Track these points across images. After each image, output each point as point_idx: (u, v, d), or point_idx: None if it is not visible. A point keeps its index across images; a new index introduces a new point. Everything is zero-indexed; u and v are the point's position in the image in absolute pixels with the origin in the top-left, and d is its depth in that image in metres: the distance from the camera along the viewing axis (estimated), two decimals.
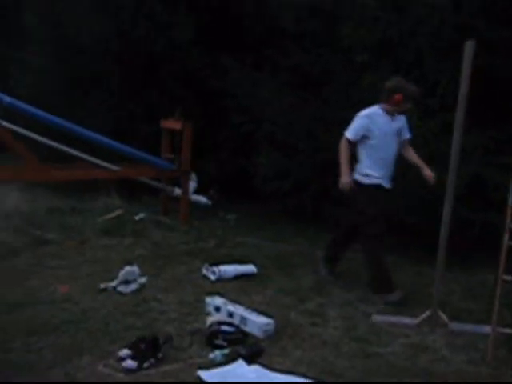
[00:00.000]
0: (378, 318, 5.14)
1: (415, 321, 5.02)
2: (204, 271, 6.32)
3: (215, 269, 6.19)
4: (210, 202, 9.07)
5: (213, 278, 6.17)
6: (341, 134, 5.67)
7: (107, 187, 9.05)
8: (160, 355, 4.17)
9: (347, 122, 5.65)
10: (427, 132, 6.51)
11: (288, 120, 7.97)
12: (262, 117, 8.42)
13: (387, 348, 4.56)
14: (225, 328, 4.57)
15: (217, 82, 8.96)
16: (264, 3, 8.43)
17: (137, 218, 8.46)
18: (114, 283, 5.76)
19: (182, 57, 9.11)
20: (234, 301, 5.22)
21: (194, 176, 8.88)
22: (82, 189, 9.47)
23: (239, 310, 4.93)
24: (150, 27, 8.99)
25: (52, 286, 5.78)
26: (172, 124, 8.63)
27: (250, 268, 6.43)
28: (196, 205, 8.99)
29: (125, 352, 4.16)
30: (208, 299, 5.19)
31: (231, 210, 9.19)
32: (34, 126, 8.08)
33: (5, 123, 7.34)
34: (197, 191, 9.06)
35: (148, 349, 4.16)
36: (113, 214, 8.44)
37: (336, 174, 5.70)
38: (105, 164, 8.05)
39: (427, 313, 5.02)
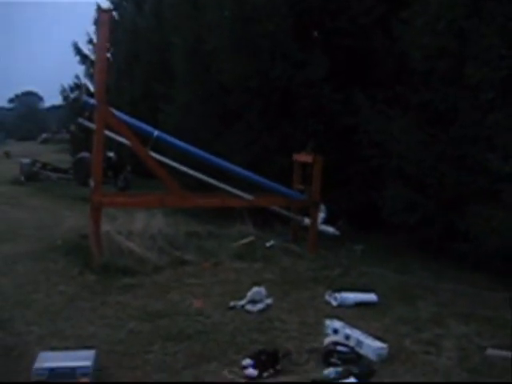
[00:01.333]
0: (492, 351, 5.14)
1: None
2: (326, 297, 6.64)
3: (337, 295, 6.49)
4: (338, 232, 9.36)
5: (334, 303, 6.47)
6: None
7: (242, 215, 9.66)
8: (279, 367, 4.57)
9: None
10: None
11: (416, 155, 8.12)
12: (392, 152, 8.62)
13: (498, 381, 4.59)
14: (340, 348, 4.86)
15: (348, 118, 9.33)
16: (394, 43, 8.70)
17: (268, 244, 8.99)
18: (242, 302, 6.27)
19: (315, 93, 9.59)
20: (353, 325, 5.49)
21: (323, 207, 9.26)
22: (219, 215, 10.24)
23: (356, 334, 5.19)
24: (285, 66, 9.60)
25: (188, 300, 6.44)
26: (304, 157, 9.14)
27: (370, 296, 6.64)
28: (324, 234, 9.33)
29: (247, 361, 4.62)
30: (327, 322, 5.51)
31: (358, 241, 9.41)
32: (179, 157, 8.93)
33: (153, 154, 8.27)
34: (326, 221, 9.41)
35: (268, 360, 4.58)
36: (246, 240, 9.02)
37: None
38: (240, 193, 8.68)
39: None
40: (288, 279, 7.51)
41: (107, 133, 8.11)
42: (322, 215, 9.28)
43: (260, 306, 6.19)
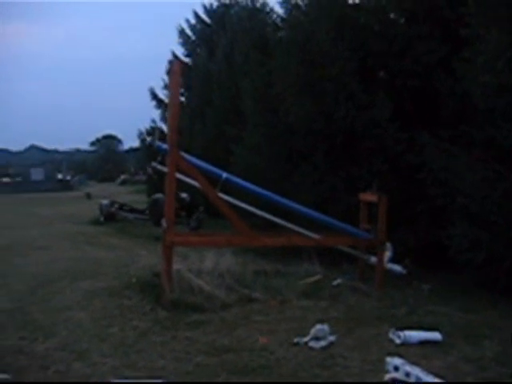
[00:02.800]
0: None
1: None
2: (390, 335, 6.68)
3: (400, 333, 6.53)
4: (404, 271, 9.35)
5: (398, 341, 6.51)
6: None
7: (309, 254, 9.84)
8: None
9: None
10: None
11: (481, 193, 8.09)
12: (457, 190, 8.62)
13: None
14: None
15: (413, 157, 9.42)
16: (457, 82, 8.79)
17: (334, 283, 9.10)
18: (306, 339, 6.43)
19: (379, 134, 9.75)
20: (414, 363, 5.52)
21: (389, 245, 9.31)
22: (286, 254, 10.47)
23: (416, 371, 5.23)
24: (349, 107, 9.84)
25: (254, 337, 6.66)
26: (369, 196, 9.27)
27: (435, 335, 6.63)
28: (391, 273, 9.35)
29: None
30: (388, 359, 5.56)
31: (425, 280, 9.36)
32: (248, 198, 9.27)
33: (222, 195, 8.65)
34: (392, 260, 9.44)
35: None
36: (312, 279, 9.18)
37: None
38: (306, 232, 8.88)
39: None
40: (353, 317, 7.59)
41: (179, 175, 8.58)
42: (388, 254, 9.32)
43: (323, 342, 6.32)
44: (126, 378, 5.13)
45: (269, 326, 7.11)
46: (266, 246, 9.31)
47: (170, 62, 8.26)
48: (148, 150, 21.05)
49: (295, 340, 6.44)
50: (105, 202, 20.82)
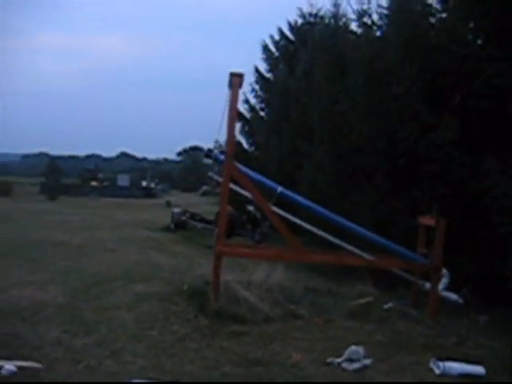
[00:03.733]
0: None
1: None
2: (431, 364, 6.42)
3: (440, 363, 6.27)
4: (461, 300, 8.98)
5: (437, 371, 6.25)
6: None
7: (363, 275, 9.63)
8: None
9: None
10: None
11: None
12: None
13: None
14: None
15: (477, 182, 9.05)
16: None
17: (385, 306, 8.86)
18: (340, 359, 6.29)
19: (443, 157, 9.43)
20: None
21: (446, 272, 8.96)
22: (341, 274, 10.30)
23: None
24: (413, 128, 9.60)
25: (289, 352, 6.59)
26: (428, 220, 8.98)
27: (478, 369, 6.31)
28: (447, 301, 9.00)
29: None
30: None
31: (483, 311, 8.90)
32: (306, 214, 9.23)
33: (275, 208, 8.65)
34: (450, 288, 9.08)
35: None
36: (363, 301, 8.96)
37: None
38: (358, 252, 8.72)
39: None
40: (397, 342, 7.34)
41: (235, 187, 8.67)
42: (444, 281, 8.97)
43: (356, 365, 6.17)
44: (148, 378, 5.20)
45: (307, 344, 7.02)
46: (315, 263, 9.20)
47: (231, 75, 8.36)
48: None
49: (329, 360, 6.32)
50: (176, 210, 21.35)
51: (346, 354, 6.29)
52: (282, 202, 9.08)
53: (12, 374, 5.34)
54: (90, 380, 5.38)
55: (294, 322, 7.96)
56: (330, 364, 6.25)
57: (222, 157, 8.79)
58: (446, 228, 8.71)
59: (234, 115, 8.48)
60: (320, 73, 14.17)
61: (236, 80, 8.39)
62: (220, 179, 8.71)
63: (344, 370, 6.11)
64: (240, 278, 9.04)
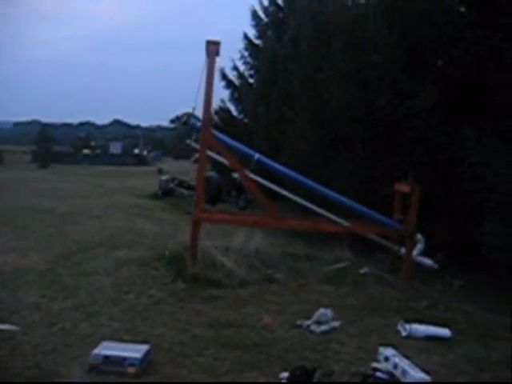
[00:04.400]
0: None
1: None
2: (399, 326, 6.62)
3: (407, 326, 6.46)
4: (436, 266, 9.14)
5: (403, 333, 6.45)
6: None
7: (342, 241, 9.79)
8: None
9: None
10: None
11: None
12: (494, 186, 8.33)
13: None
14: (379, 374, 4.93)
15: (454, 150, 9.15)
16: (507, 73, 8.43)
17: (361, 271, 9.03)
18: (309, 322, 6.48)
19: (421, 124, 9.50)
20: (408, 357, 5.44)
21: (421, 238, 9.12)
22: (320, 239, 10.45)
23: (403, 363, 5.18)
24: (392, 96, 9.64)
25: (260, 315, 6.77)
26: (404, 187, 9.11)
27: (444, 331, 6.50)
28: (423, 266, 9.18)
29: (283, 375, 4.86)
30: (381, 349, 5.54)
31: (458, 276, 9.10)
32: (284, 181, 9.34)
33: (252, 175, 8.76)
34: (425, 253, 9.26)
35: (302, 376, 4.77)
36: (339, 265, 9.16)
37: None
38: (335, 218, 8.86)
39: None
40: (369, 306, 7.56)
41: (212, 154, 8.76)
42: (419, 246, 9.14)
43: (324, 327, 6.36)
44: (116, 341, 5.37)
45: (279, 307, 7.21)
46: (293, 229, 9.34)
47: (207, 43, 8.36)
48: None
49: (298, 322, 6.51)
50: (164, 177, 21.42)
51: (315, 317, 6.48)
52: (264, 169, 9.20)
53: None
54: (63, 342, 5.54)
55: (269, 285, 8.16)
56: (300, 326, 6.43)
57: (199, 124, 8.84)
58: (421, 194, 8.87)
59: (211, 82, 8.49)
60: (304, 40, 14.10)
61: (212, 47, 8.41)
62: (197, 146, 8.78)
63: (312, 332, 6.30)
64: (220, 243, 9.20)
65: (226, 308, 7.01)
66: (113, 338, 5.59)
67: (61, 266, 8.60)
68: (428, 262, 9.19)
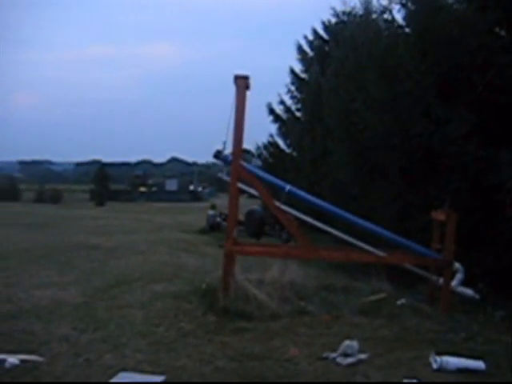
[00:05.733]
0: None
1: None
2: (430, 359, 6.39)
3: (438, 358, 6.23)
4: (477, 296, 8.83)
5: (434, 366, 6.21)
6: None
7: (380, 272, 9.60)
8: None
9: None
10: None
11: None
12: None
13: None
14: None
15: (492, 176, 8.91)
16: None
17: (398, 302, 8.80)
18: (335, 354, 6.33)
19: (457, 151, 9.30)
20: None
21: (460, 267, 8.84)
22: (358, 270, 10.28)
23: None
24: (427, 123, 9.51)
25: (287, 347, 6.67)
26: (440, 215, 8.89)
27: (477, 364, 6.23)
28: (464, 297, 8.88)
29: None
30: (405, 380, 5.36)
31: (500, 306, 8.74)
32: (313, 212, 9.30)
33: (284, 207, 8.75)
34: (466, 283, 8.96)
35: None
36: (376, 297, 8.96)
37: None
38: (369, 248, 8.71)
39: None
40: (402, 338, 7.32)
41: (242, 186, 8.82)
42: (459, 276, 8.87)
43: (351, 359, 6.20)
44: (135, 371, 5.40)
45: (308, 339, 7.09)
46: (326, 260, 9.23)
47: (235, 78, 8.50)
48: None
49: (324, 355, 6.38)
50: (211, 212, 21.62)
51: (341, 349, 6.33)
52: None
53: (13, 366, 5.63)
54: (84, 372, 5.62)
55: (301, 318, 8.03)
56: (326, 359, 6.30)
57: (230, 158, 8.93)
58: (460, 222, 8.61)
59: (241, 117, 8.58)
60: (343, 71, 14.17)
61: (241, 82, 8.53)
62: (229, 179, 8.86)
63: (338, 364, 6.15)
64: (256, 276, 9.17)
65: (254, 340, 6.95)
66: (134, 369, 5.64)
67: (97, 300, 8.75)
68: (469, 292, 8.89)
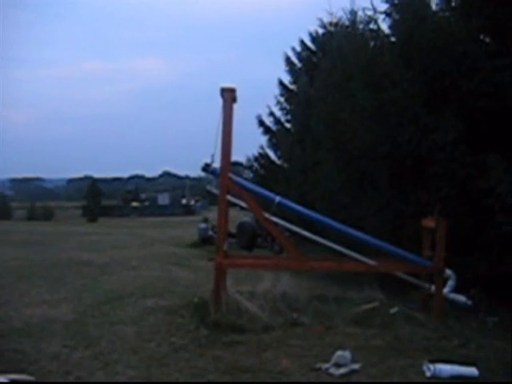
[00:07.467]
0: None
1: None
2: (423, 367, 6.37)
3: (431, 366, 6.21)
4: (469, 302, 8.84)
5: (428, 374, 6.19)
6: None
7: (371, 281, 9.57)
8: None
9: None
10: None
11: None
12: None
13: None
14: None
15: (481, 181, 8.93)
16: None
17: (391, 311, 8.76)
18: (327, 365, 6.30)
19: (445, 158, 9.33)
20: None
21: (451, 274, 8.86)
22: (350, 280, 10.26)
23: None
24: (414, 130, 9.54)
25: (280, 359, 6.63)
26: (429, 222, 8.90)
27: (470, 370, 6.22)
28: (456, 303, 8.87)
29: None
30: None
31: (493, 312, 8.75)
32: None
33: (274, 218, 8.73)
34: (458, 290, 8.96)
35: None
36: (368, 306, 8.91)
37: None
38: (360, 257, 8.70)
39: None
40: (395, 347, 7.29)
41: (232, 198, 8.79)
42: (450, 283, 8.88)
43: (343, 370, 6.17)
44: None
45: (301, 351, 7.05)
46: (316, 270, 9.20)
47: (222, 90, 8.52)
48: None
49: (317, 365, 6.35)
50: (203, 225, 21.56)
51: (333, 359, 6.30)
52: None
53: None
54: None
55: (293, 329, 7.99)
56: (319, 369, 6.26)
57: (219, 170, 8.92)
58: (451, 228, 8.62)
59: (228, 130, 8.58)
60: (331, 81, 14.22)
61: (228, 95, 8.54)
62: (217, 192, 8.84)
63: (330, 375, 6.12)
64: (248, 288, 9.13)
65: (246, 353, 6.90)
66: None
67: (88, 316, 8.66)
68: (461, 298, 8.90)
